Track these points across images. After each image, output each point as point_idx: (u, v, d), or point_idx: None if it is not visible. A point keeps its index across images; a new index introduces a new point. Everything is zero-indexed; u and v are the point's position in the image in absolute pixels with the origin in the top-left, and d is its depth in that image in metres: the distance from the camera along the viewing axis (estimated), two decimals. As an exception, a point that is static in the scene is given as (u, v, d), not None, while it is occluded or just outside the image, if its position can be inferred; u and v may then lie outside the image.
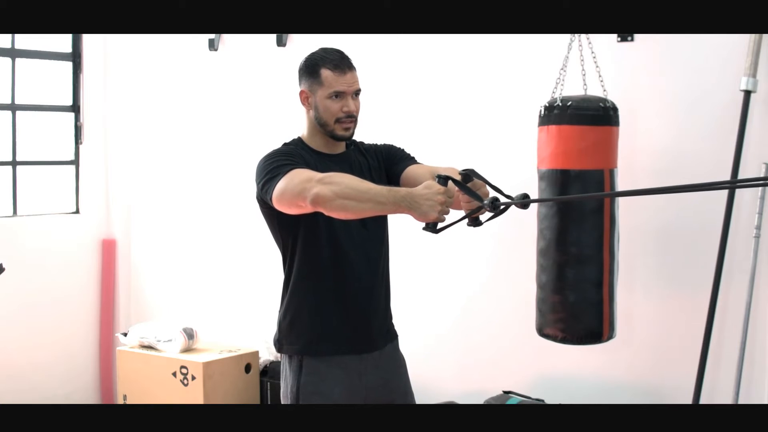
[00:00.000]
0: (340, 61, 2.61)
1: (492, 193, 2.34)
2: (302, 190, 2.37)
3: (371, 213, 2.39)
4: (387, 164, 2.73)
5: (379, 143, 2.81)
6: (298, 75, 2.67)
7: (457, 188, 2.35)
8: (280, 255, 2.70)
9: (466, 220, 2.41)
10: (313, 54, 2.66)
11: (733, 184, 3.13)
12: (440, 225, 2.34)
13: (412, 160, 2.75)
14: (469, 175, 2.37)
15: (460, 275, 4.07)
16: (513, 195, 2.30)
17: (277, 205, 2.47)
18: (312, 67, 2.62)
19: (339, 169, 2.51)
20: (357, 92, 2.63)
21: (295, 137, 2.70)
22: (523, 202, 2.32)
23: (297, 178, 2.41)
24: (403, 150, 2.79)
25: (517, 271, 3.79)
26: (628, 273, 3.47)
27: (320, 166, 2.54)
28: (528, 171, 3.40)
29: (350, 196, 2.32)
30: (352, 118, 2.61)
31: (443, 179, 2.31)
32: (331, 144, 2.65)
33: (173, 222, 5.11)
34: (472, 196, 2.34)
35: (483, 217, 2.39)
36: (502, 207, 2.28)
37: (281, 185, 2.43)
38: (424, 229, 2.34)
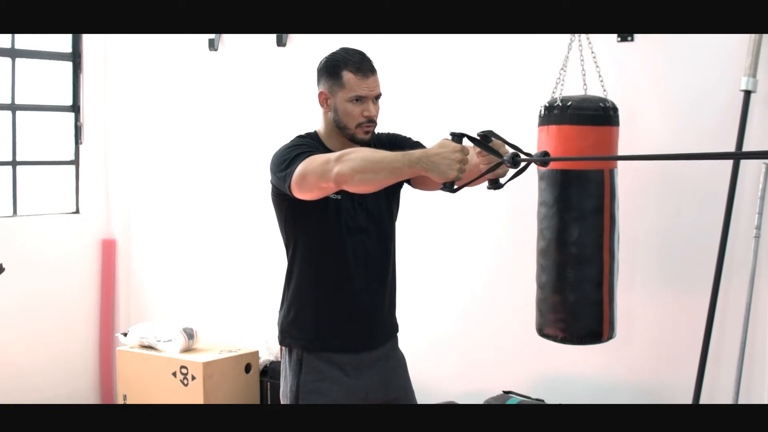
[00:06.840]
0: (362, 64, 2.56)
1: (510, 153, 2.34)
2: (324, 171, 2.36)
3: (391, 180, 2.38)
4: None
5: (384, 133, 2.76)
6: (317, 75, 2.62)
7: (476, 151, 2.35)
8: (284, 247, 2.68)
9: (487, 183, 2.41)
10: (334, 54, 2.61)
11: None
12: (457, 185, 2.31)
13: (418, 145, 2.71)
14: (487, 136, 2.35)
15: (460, 275, 4.07)
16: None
17: (297, 191, 2.45)
18: (333, 69, 2.58)
19: None
20: (378, 96, 2.60)
21: (311, 131, 2.67)
22: (543, 159, 2.34)
23: (315, 161, 2.41)
24: (409, 138, 2.76)
25: (517, 271, 3.79)
26: (628, 273, 3.47)
27: None
28: (527, 170, 3.39)
29: (367, 169, 2.32)
30: (372, 122, 2.58)
31: (458, 136, 2.30)
32: (348, 145, 2.60)
33: (173, 222, 5.11)
34: (491, 153, 2.33)
35: (503, 179, 2.40)
36: (523, 164, 2.29)
37: (300, 170, 2.42)
38: (441, 188, 2.32)
